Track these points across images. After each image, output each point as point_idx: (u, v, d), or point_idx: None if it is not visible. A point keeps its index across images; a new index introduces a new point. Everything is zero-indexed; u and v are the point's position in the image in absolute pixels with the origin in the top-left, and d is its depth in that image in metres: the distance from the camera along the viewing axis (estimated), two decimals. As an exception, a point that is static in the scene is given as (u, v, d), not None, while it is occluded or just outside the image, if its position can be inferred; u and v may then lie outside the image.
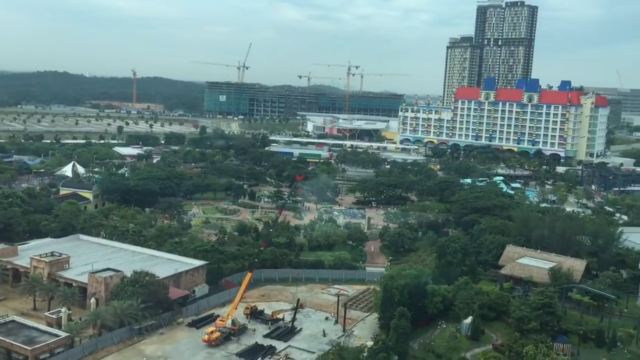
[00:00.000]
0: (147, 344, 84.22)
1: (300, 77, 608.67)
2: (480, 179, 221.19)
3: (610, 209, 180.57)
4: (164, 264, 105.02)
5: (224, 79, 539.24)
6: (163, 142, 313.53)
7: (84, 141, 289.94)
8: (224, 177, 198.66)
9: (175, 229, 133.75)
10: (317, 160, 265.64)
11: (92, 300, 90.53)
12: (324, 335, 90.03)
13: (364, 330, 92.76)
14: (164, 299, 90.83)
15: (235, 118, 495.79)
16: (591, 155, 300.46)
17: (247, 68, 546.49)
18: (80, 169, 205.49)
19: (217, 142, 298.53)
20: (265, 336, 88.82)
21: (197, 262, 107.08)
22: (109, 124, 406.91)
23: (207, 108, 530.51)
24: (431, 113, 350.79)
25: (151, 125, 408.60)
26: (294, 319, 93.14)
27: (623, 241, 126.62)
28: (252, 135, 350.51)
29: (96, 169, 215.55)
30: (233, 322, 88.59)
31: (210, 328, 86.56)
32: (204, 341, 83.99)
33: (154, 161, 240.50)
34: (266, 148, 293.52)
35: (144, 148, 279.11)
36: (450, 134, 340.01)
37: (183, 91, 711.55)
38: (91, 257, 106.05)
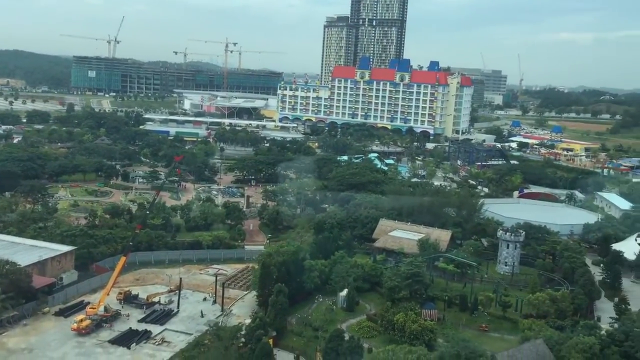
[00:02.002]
0: (10, 336, 78.56)
1: (176, 53, 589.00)
2: (356, 156, 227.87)
3: (473, 182, 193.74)
4: (27, 251, 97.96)
5: (94, 53, 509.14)
6: (25, 120, 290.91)
7: None
8: (94, 158, 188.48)
9: (39, 213, 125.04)
10: (195, 139, 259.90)
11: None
12: (202, 316, 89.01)
13: (243, 309, 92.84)
14: (27, 288, 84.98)
15: (107, 95, 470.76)
16: (457, 132, 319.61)
17: (118, 42, 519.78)
18: None
19: (87, 121, 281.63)
20: (140, 321, 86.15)
21: (64, 248, 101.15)
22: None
23: (75, 84, 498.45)
24: (309, 91, 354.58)
25: (11, 103, 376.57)
26: (179, 299, 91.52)
27: (484, 212, 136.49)
28: (125, 114, 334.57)
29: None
30: (105, 309, 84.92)
31: (80, 316, 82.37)
32: (73, 330, 79.81)
33: (15, 141, 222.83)
34: (140, 127, 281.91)
35: (3, 127, 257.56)
36: (328, 112, 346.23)
37: (48, 66, 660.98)
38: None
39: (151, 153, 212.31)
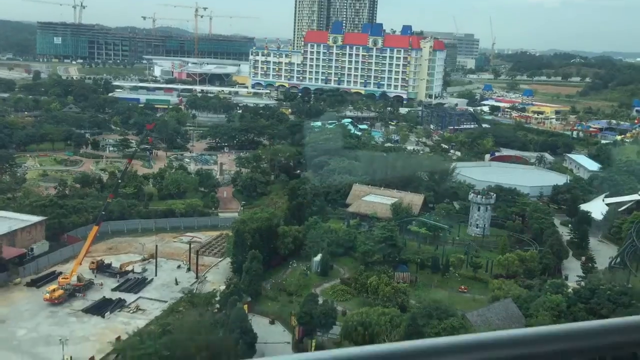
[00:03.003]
0: (-20, 308, 77.84)
1: (144, 18, 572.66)
2: (330, 121, 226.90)
3: (446, 146, 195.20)
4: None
5: (59, 19, 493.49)
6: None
7: None
8: (63, 126, 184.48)
9: (7, 183, 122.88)
10: (166, 106, 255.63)
11: None
12: (177, 283, 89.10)
13: (218, 276, 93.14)
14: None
15: (74, 62, 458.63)
16: (430, 96, 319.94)
17: (84, 7, 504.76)
18: None
19: (54, 89, 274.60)
20: (114, 290, 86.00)
21: (34, 218, 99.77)
22: None
23: (40, 51, 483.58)
24: (282, 57, 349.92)
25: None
26: (156, 266, 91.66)
27: (456, 175, 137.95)
28: (93, 81, 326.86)
29: None
30: (78, 278, 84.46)
31: (52, 286, 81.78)
32: (45, 300, 79.32)
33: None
34: (110, 94, 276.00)
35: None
36: (301, 78, 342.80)
37: (11, 32, 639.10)
38: None
39: (121, 121, 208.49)
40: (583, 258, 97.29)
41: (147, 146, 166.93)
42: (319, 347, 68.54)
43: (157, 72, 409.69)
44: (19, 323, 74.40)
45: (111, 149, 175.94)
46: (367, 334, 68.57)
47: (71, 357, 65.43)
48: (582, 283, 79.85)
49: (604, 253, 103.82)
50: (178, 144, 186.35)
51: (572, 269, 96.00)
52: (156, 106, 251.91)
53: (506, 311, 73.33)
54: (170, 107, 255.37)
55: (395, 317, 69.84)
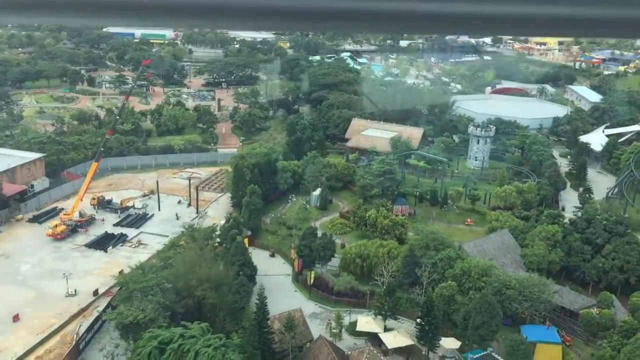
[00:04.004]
0: (-16, 244, 79.00)
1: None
2: (328, 55, 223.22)
3: (447, 80, 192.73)
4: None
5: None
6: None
7: None
8: (58, 63, 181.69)
9: (4, 121, 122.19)
10: (162, 41, 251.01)
11: None
12: (177, 218, 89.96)
13: (218, 211, 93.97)
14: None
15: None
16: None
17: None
18: None
19: (46, 24, 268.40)
20: (116, 225, 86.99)
21: (33, 155, 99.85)
22: None
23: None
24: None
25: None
26: (159, 201, 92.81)
27: (456, 108, 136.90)
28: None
29: None
30: (80, 214, 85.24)
31: (55, 222, 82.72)
32: (48, 235, 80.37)
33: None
34: (103, 29, 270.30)
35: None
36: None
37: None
38: None
39: (117, 57, 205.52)
40: (581, 189, 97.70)
41: (143, 82, 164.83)
42: (318, 278, 69.93)
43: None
44: (23, 258, 75.66)
45: (107, 85, 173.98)
46: (365, 265, 69.92)
47: (75, 290, 66.91)
48: (579, 213, 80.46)
49: (602, 184, 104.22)
50: (175, 80, 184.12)
51: (570, 200, 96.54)
52: (152, 41, 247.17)
53: (502, 242, 74.38)
54: (166, 42, 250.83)
55: (393, 249, 70.94)
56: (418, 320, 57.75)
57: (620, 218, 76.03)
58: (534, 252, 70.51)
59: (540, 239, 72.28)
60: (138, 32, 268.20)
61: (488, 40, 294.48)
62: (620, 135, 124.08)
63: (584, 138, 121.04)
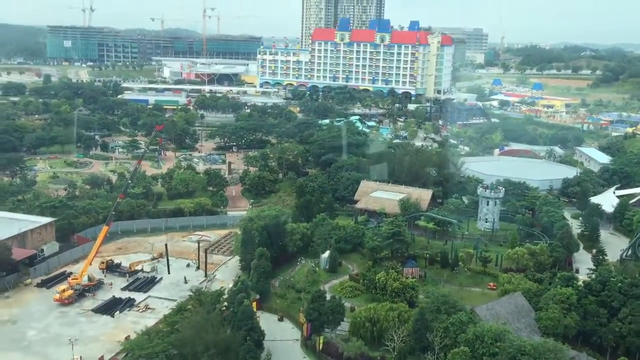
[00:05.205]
0: (-8, 309, 78.48)
1: (153, 19, 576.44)
2: (338, 119, 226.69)
3: (455, 142, 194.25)
4: (6, 224, 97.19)
5: (68, 23, 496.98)
6: (0, 93, 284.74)
7: None
8: (73, 129, 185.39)
9: (17, 186, 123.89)
10: (175, 107, 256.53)
11: None
12: (186, 282, 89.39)
13: (227, 274, 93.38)
14: (7, 261, 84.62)
15: (84, 65, 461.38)
16: (438, 92, 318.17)
17: (93, 10, 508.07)
18: None
19: (63, 91, 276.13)
20: (124, 289, 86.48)
21: (44, 220, 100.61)
22: None
23: (51, 55, 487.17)
24: (289, 55, 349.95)
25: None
26: (168, 264, 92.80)
27: (465, 170, 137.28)
28: (102, 83, 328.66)
29: None
30: (88, 278, 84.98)
31: (62, 286, 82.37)
32: (55, 300, 79.93)
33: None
34: (119, 96, 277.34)
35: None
36: (309, 76, 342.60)
37: (22, 37, 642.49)
38: None
39: (130, 122, 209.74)
40: (594, 251, 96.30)
41: (156, 147, 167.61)
42: (327, 343, 68.43)
43: (166, 73, 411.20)
44: (30, 324, 74.96)
45: (120, 150, 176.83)
46: (375, 329, 68.49)
47: (81, 357, 65.82)
48: (593, 276, 78.95)
49: (615, 245, 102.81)
50: (187, 144, 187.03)
51: (583, 262, 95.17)
52: (165, 107, 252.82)
53: (515, 305, 72.75)
54: (179, 107, 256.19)
55: (404, 313, 69.65)
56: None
57: (636, 280, 74.40)
58: (548, 315, 68.85)
59: (555, 302, 70.73)
60: (152, 98, 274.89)
61: (495, 103, 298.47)
62: (632, 196, 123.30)
63: (594, 199, 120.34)
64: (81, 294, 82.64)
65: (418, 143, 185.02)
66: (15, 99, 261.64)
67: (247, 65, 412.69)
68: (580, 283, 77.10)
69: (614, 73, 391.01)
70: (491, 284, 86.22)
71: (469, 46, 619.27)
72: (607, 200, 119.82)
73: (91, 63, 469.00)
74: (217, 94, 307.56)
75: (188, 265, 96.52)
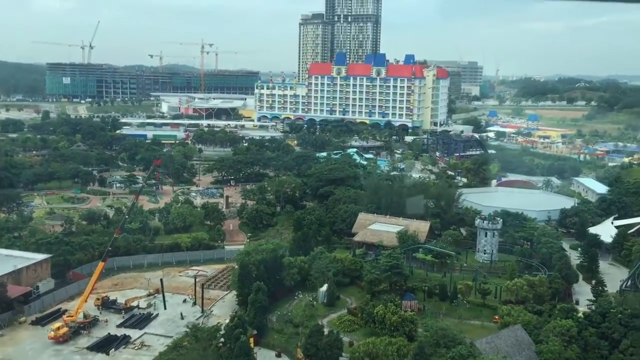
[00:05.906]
0: (-15, 348, 77.36)
1: (151, 56, 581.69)
2: (335, 151, 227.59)
3: (452, 173, 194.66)
4: (1, 261, 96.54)
5: (68, 60, 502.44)
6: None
7: None
8: (70, 164, 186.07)
9: (13, 222, 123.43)
10: (173, 142, 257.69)
11: None
12: (182, 318, 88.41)
13: (224, 309, 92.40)
14: (2, 298, 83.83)
15: (83, 101, 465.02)
16: (435, 124, 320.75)
17: (92, 47, 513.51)
18: None
19: (62, 127, 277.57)
20: (119, 326, 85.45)
21: (40, 256, 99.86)
22: None
23: (50, 92, 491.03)
24: (286, 89, 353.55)
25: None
26: (164, 300, 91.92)
27: (462, 202, 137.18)
28: (101, 119, 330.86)
29: None
30: (84, 315, 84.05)
31: (57, 324, 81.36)
32: (50, 338, 78.88)
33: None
34: (118, 131, 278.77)
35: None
36: (306, 110, 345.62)
37: (21, 74, 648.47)
38: None
39: (128, 157, 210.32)
40: (593, 282, 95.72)
41: (153, 181, 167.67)
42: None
43: (164, 108, 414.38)
44: (23, 362, 73.82)
45: (118, 185, 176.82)
46: (374, 364, 67.46)
47: (74, 396, 64.63)
48: (593, 307, 78.30)
49: (614, 276, 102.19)
50: (184, 178, 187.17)
51: (583, 293, 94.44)
52: (163, 141, 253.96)
53: (516, 338, 71.96)
54: (177, 141, 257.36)
55: (403, 347, 68.76)
56: None
57: (637, 311, 73.78)
58: (549, 348, 68.00)
59: (555, 334, 70.00)
60: (150, 133, 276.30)
61: (492, 134, 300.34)
62: (630, 226, 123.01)
63: (593, 230, 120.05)
64: (76, 331, 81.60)
65: (415, 175, 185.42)
66: (14, 135, 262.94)
67: (245, 99, 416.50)
68: (580, 315, 76.46)
69: (609, 104, 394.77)
70: (496, 317, 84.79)
71: (464, 79, 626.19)
72: (606, 231, 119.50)
73: (90, 99, 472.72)
74: (215, 128, 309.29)
75: (185, 300, 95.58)
